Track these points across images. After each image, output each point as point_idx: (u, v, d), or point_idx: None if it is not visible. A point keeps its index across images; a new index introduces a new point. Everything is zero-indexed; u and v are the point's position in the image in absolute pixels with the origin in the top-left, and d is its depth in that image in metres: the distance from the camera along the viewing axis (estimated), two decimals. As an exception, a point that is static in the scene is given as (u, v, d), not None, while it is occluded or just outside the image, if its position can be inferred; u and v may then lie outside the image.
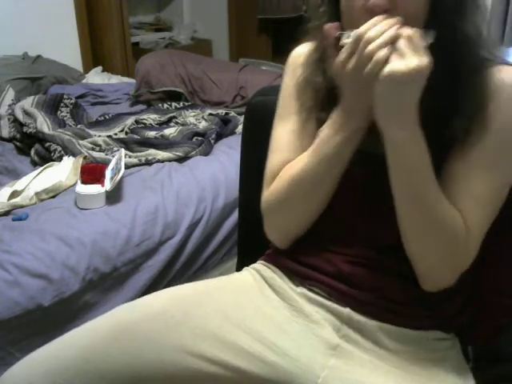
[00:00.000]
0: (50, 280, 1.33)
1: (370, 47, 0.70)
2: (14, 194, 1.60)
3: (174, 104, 2.43)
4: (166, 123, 2.23)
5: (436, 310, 0.85)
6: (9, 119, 2.13)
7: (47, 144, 1.87)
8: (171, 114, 2.27)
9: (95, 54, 3.15)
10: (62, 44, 2.96)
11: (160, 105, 2.43)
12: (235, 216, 1.73)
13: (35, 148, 1.91)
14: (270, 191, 0.90)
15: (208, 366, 0.82)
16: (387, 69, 0.69)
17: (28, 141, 1.97)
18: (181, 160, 1.87)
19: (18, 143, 2.03)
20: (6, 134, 2.09)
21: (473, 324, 0.92)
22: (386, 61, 0.70)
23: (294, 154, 0.89)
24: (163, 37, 3.96)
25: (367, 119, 0.78)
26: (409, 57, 0.69)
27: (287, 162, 0.89)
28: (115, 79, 2.95)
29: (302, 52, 0.93)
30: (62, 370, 0.80)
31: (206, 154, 1.94)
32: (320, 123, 0.86)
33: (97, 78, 2.92)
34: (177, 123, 2.22)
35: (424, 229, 0.78)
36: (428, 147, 0.75)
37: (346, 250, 0.87)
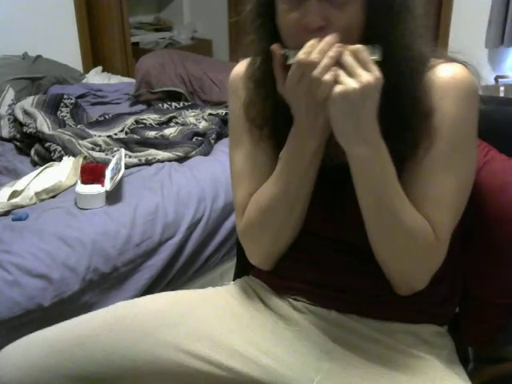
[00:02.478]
0: (50, 280, 1.33)
1: (316, 72, 0.69)
2: (14, 194, 1.60)
3: (174, 104, 2.43)
4: (166, 123, 2.23)
5: (421, 302, 0.85)
6: (9, 119, 2.13)
7: (47, 144, 1.87)
8: (171, 114, 2.27)
9: (95, 54, 3.16)
10: (62, 44, 2.97)
11: (160, 105, 2.43)
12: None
13: (35, 148, 1.91)
14: (243, 222, 0.90)
15: (202, 365, 0.83)
16: (338, 89, 0.69)
17: (28, 141, 1.97)
18: (181, 160, 1.87)
19: (17, 143, 2.03)
20: (5, 134, 2.09)
21: (472, 325, 0.92)
22: (335, 81, 0.69)
23: (256, 183, 0.88)
24: (163, 37, 3.96)
25: (325, 135, 0.78)
26: (358, 73, 0.69)
27: (253, 192, 0.88)
28: (115, 79, 2.95)
29: (240, 72, 0.91)
30: (57, 353, 0.83)
31: (206, 154, 1.94)
32: (273, 139, 0.86)
33: (97, 77, 2.92)
34: (177, 123, 2.22)
35: (392, 237, 0.78)
36: None
37: (321, 256, 0.88)
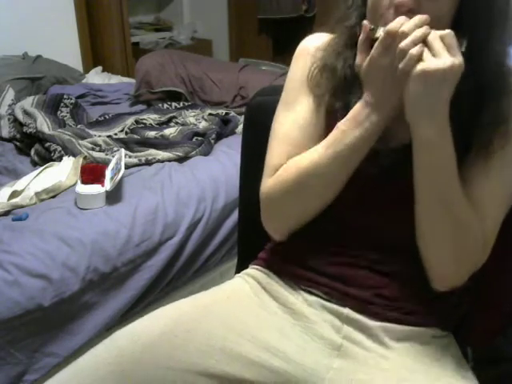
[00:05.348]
0: (50, 280, 1.33)
1: (404, 43, 0.70)
2: (14, 194, 1.60)
3: (174, 104, 2.43)
4: (166, 123, 2.22)
5: (435, 306, 0.85)
6: (9, 119, 2.13)
7: (47, 144, 1.86)
8: (171, 114, 2.27)
9: (95, 54, 3.15)
10: (62, 44, 2.96)
11: (160, 105, 2.43)
12: (235, 216, 1.73)
13: (35, 148, 1.90)
14: (273, 181, 0.87)
15: (218, 382, 0.80)
16: (420, 66, 0.69)
17: (28, 141, 1.97)
18: (181, 160, 1.87)
19: (18, 143, 2.03)
20: (5, 134, 2.09)
21: (471, 326, 0.92)
22: (419, 58, 0.70)
23: (299, 148, 0.86)
24: (163, 37, 3.95)
25: (390, 115, 0.77)
26: (442, 55, 0.69)
27: (292, 156, 0.86)
28: (115, 79, 2.95)
29: (312, 42, 0.91)
30: None
31: (206, 154, 1.94)
32: (330, 113, 0.85)
33: (97, 77, 2.92)
34: (177, 123, 2.21)
35: (442, 225, 0.78)
36: None
37: (346, 249, 0.86)
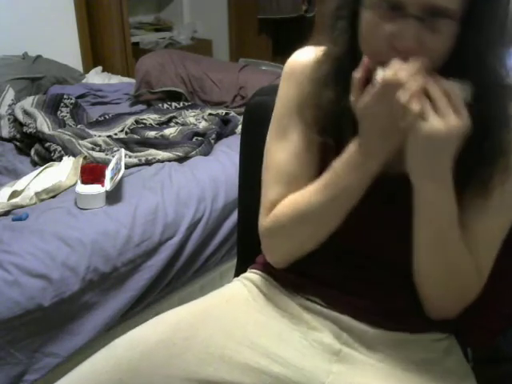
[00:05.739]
0: (50, 280, 1.33)
1: (403, 97, 0.65)
2: (14, 194, 1.60)
3: (174, 104, 2.43)
4: (166, 123, 2.22)
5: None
6: (9, 119, 2.13)
7: (47, 144, 1.87)
8: (171, 114, 2.27)
9: (95, 54, 3.15)
10: (62, 44, 2.96)
11: (160, 105, 2.43)
12: (235, 216, 1.73)
13: (35, 148, 1.91)
14: (271, 219, 0.86)
15: None
16: (423, 127, 0.65)
17: (28, 141, 1.97)
18: (181, 160, 1.87)
19: (18, 143, 2.03)
20: (6, 134, 2.09)
21: (471, 326, 0.92)
22: (420, 115, 0.65)
23: (296, 183, 0.83)
24: (163, 37, 3.95)
25: (388, 158, 0.74)
26: (447, 115, 0.65)
27: (289, 191, 0.84)
28: (115, 79, 2.95)
29: (304, 60, 0.85)
30: None
31: (206, 154, 1.94)
32: (323, 147, 0.81)
33: (97, 78, 2.92)
34: (177, 123, 2.22)
35: (441, 273, 0.78)
36: None
37: (347, 259, 0.86)
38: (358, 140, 0.74)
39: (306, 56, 0.85)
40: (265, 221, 0.87)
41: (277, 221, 0.85)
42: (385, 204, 0.80)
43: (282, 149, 0.85)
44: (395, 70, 0.66)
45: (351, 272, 0.85)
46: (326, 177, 0.79)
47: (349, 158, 0.75)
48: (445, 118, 0.65)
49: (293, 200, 0.83)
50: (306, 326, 0.86)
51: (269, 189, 0.87)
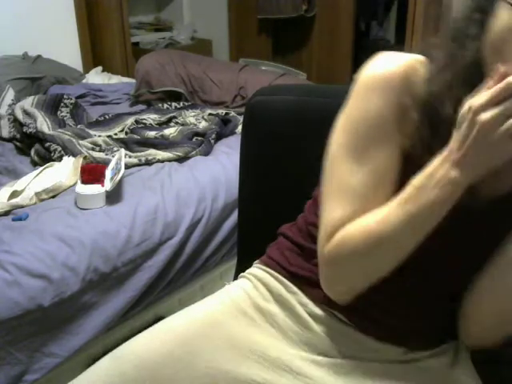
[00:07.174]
0: (50, 280, 1.33)
1: None
2: (14, 194, 1.60)
3: (174, 104, 2.43)
4: (166, 123, 2.23)
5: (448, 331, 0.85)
6: (9, 119, 2.13)
7: (47, 144, 1.87)
8: (171, 114, 2.27)
9: (95, 54, 3.15)
10: (62, 44, 2.96)
11: (160, 105, 2.43)
12: (235, 216, 1.73)
13: (35, 148, 1.91)
14: (336, 243, 0.75)
15: None
16: None
17: (28, 141, 1.97)
18: (181, 160, 1.87)
19: (18, 143, 2.03)
20: (6, 133, 2.09)
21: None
22: None
23: (365, 209, 0.74)
24: (163, 37, 3.96)
25: (480, 179, 0.65)
26: None
27: (356, 218, 0.74)
28: (115, 79, 2.95)
29: (394, 71, 0.73)
30: None
31: (206, 154, 1.94)
32: (408, 165, 0.73)
33: (97, 78, 2.92)
34: (177, 123, 2.22)
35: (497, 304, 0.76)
36: None
37: (388, 286, 0.77)
38: (454, 152, 0.65)
39: (393, 65, 0.74)
40: (328, 247, 0.76)
41: (345, 246, 0.74)
42: (461, 229, 0.73)
43: (358, 168, 0.75)
44: None
45: (390, 303, 0.81)
46: (404, 193, 0.70)
47: (436, 172, 0.67)
48: None
49: (364, 221, 0.73)
50: (310, 333, 0.84)
51: (332, 211, 0.76)
